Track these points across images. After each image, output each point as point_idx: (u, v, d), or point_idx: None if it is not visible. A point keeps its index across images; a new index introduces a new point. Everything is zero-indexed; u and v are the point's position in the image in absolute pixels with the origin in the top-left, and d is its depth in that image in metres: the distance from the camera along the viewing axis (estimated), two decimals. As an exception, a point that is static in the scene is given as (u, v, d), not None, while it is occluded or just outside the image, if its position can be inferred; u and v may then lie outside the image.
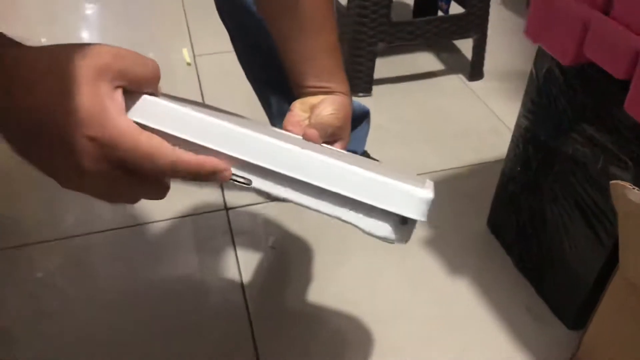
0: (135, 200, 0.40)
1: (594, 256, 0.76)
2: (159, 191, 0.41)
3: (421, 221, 0.41)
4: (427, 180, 0.46)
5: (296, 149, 0.40)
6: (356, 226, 0.41)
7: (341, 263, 0.94)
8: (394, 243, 0.42)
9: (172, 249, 0.97)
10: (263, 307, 0.86)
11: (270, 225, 1.01)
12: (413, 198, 0.40)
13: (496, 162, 1.14)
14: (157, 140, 0.37)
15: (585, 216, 0.76)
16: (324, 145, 0.54)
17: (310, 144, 0.51)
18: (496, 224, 0.98)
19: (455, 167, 1.15)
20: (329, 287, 0.89)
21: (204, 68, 1.45)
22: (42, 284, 0.90)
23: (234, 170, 0.41)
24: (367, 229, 0.41)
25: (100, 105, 0.35)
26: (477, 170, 1.14)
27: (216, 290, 0.90)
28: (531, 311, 0.86)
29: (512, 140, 0.91)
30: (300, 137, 0.53)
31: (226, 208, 1.03)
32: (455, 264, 0.94)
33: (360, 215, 0.41)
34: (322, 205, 0.41)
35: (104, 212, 1.03)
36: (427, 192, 0.41)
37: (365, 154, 1.05)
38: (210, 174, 0.40)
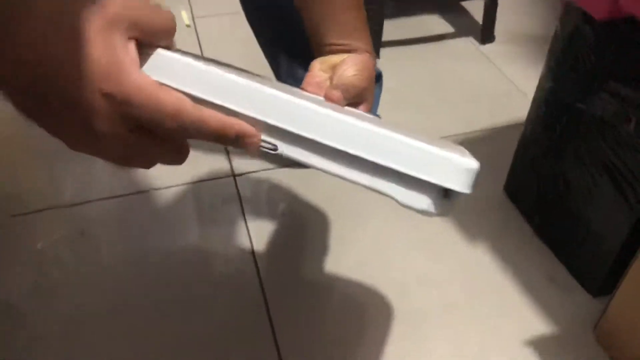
0: (151, 164, 0.37)
1: (621, 221, 0.73)
2: (179, 154, 0.37)
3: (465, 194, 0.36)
4: (463, 148, 0.42)
5: (329, 112, 0.36)
6: (392, 197, 0.37)
7: (355, 229, 0.91)
8: (432, 217, 0.38)
9: (177, 218, 0.93)
10: (276, 276, 0.84)
11: (279, 192, 0.97)
12: (458, 168, 0.36)
13: (510, 126, 1.11)
14: (179, 95, 0.34)
15: (613, 179, 0.73)
16: (348, 108, 0.51)
17: (335, 106, 0.47)
18: (514, 190, 0.95)
19: (468, 132, 1.11)
20: (344, 254, 0.87)
21: (204, 30, 1.39)
22: (43, 254, 0.86)
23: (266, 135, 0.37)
24: (404, 201, 0.37)
25: (113, 58, 0.31)
26: (491, 135, 1.11)
27: (226, 260, 0.87)
28: (553, 279, 0.83)
29: (534, 102, 0.87)
30: (322, 99, 0.49)
31: (234, 175, 1.00)
32: (472, 231, 0.91)
33: (398, 186, 0.37)
34: (356, 175, 0.37)
35: (106, 179, 0.99)
36: (473, 162, 0.36)
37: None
38: (238, 137, 0.36)
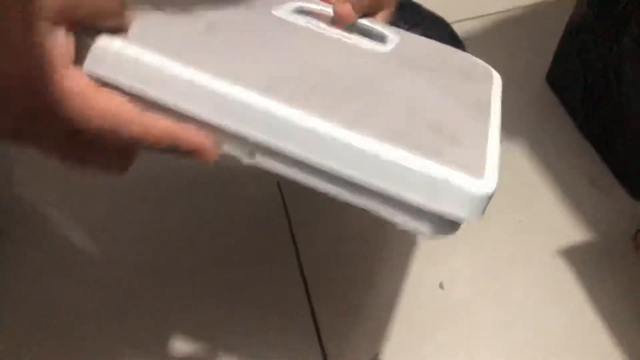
0: (97, 172, 0.33)
1: (679, 122, 0.65)
2: (122, 165, 0.33)
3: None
4: (495, 135, 0.36)
5: (313, 121, 0.30)
6: (391, 221, 0.32)
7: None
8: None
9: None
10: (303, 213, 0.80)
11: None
12: (467, 195, 0.30)
13: (560, 3, 0.98)
14: (117, 104, 0.29)
15: (675, 75, 0.64)
16: (361, 21, 0.44)
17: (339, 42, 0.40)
18: (558, 80, 0.86)
19: (511, 8, 0.99)
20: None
21: None
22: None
23: (228, 143, 0.31)
24: (405, 226, 0.32)
25: (33, 59, 0.26)
26: (537, 13, 0.98)
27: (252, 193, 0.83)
28: (593, 180, 0.78)
29: (589, -22, 0.75)
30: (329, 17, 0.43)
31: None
32: (508, 123, 0.81)
33: (395, 211, 0.32)
34: (348, 195, 0.32)
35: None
36: (487, 185, 0.30)
37: None
38: (193, 151, 0.31)
